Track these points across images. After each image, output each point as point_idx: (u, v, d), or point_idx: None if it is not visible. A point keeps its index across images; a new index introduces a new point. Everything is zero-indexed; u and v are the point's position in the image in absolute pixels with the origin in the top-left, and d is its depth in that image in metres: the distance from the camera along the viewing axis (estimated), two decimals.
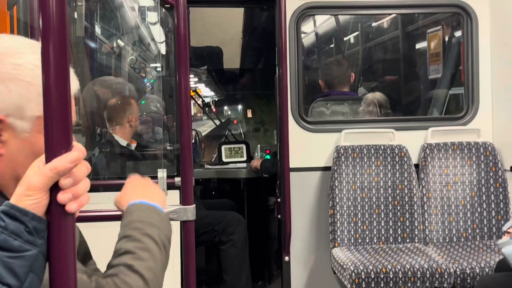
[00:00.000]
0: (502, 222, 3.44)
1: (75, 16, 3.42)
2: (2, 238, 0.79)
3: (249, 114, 6.01)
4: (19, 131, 1.03)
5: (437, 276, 2.94)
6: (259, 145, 4.92)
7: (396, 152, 3.52)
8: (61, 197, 0.81)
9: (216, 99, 5.80)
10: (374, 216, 3.44)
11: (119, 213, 1.63)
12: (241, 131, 5.46)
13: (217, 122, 5.85)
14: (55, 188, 0.81)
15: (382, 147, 3.52)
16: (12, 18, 2.22)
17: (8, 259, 0.78)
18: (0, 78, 1.02)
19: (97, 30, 3.99)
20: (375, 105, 4.00)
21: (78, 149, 0.81)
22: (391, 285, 2.93)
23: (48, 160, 0.80)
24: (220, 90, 5.91)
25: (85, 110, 3.59)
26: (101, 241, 1.59)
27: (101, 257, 1.42)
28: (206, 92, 7.94)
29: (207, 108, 6.36)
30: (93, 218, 1.87)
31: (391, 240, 3.43)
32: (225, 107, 5.78)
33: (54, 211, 0.82)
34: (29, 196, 0.81)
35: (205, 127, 7.29)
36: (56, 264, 0.82)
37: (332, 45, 5.14)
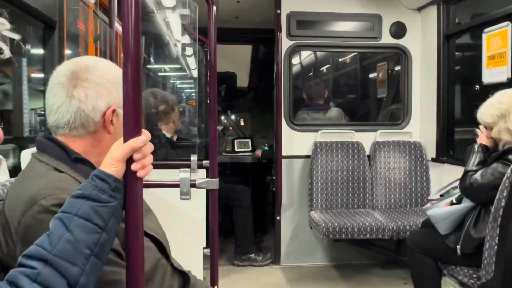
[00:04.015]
0: (425, 195, 3.45)
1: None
2: (94, 193, 0.79)
3: (242, 123, 5.59)
4: (120, 116, 1.04)
5: (380, 230, 2.95)
6: (260, 140, 4.89)
7: (355, 146, 3.52)
8: (134, 166, 0.80)
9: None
10: (339, 190, 3.44)
11: (166, 182, 1.61)
12: (235, 131, 5.29)
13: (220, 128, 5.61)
14: (129, 160, 0.81)
15: (345, 143, 3.52)
16: (96, 48, 2.22)
17: (98, 207, 0.79)
18: (112, 82, 1.04)
19: (151, 59, 3.98)
20: (339, 115, 3.99)
21: (146, 134, 0.81)
22: (349, 236, 2.94)
23: (125, 140, 0.80)
24: (219, 103, 5.56)
25: (143, 113, 3.58)
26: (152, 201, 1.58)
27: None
28: None
29: None
30: (148, 186, 1.86)
31: (350, 206, 3.44)
32: (222, 117, 5.42)
33: (129, 176, 0.82)
34: (112, 165, 0.81)
35: None
36: (130, 212, 0.81)
37: (311, 72, 5.13)
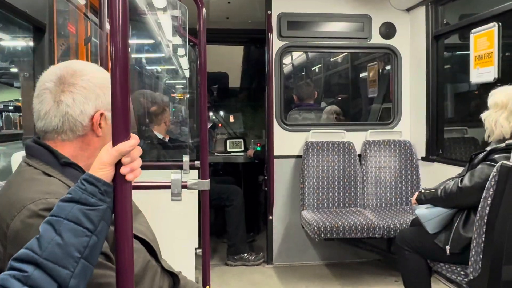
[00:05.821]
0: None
1: (129, 49, 3.39)
2: (84, 197, 0.79)
3: (232, 119, 5.49)
4: (108, 119, 1.04)
5: (371, 229, 2.98)
6: (252, 140, 4.89)
7: (346, 146, 3.54)
8: (123, 170, 0.81)
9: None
10: (330, 189, 3.46)
11: (157, 183, 1.61)
12: (227, 132, 5.28)
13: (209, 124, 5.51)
14: (118, 164, 0.81)
15: (336, 142, 3.54)
16: (87, 50, 2.22)
17: (87, 211, 0.79)
18: (100, 86, 1.04)
19: (144, 59, 3.97)
20: (333, 113, 4.01)
21: (134, 138, 0.81)
22: (341, 235, 2.96)
23: (114, 144, 0.80)
24: (211, 103, 5.47)
25: (134, 114, 3.57)
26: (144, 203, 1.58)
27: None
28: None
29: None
30: (139, 187, 1.86)
31: (341, 205, 3.46)
32: (211, 113, 5.31)
33: (118, 179, 0.82)
34: (101, 169, 0.81)
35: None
36: (119, 215, 0.82)
37: (303, 72, 5.15)
